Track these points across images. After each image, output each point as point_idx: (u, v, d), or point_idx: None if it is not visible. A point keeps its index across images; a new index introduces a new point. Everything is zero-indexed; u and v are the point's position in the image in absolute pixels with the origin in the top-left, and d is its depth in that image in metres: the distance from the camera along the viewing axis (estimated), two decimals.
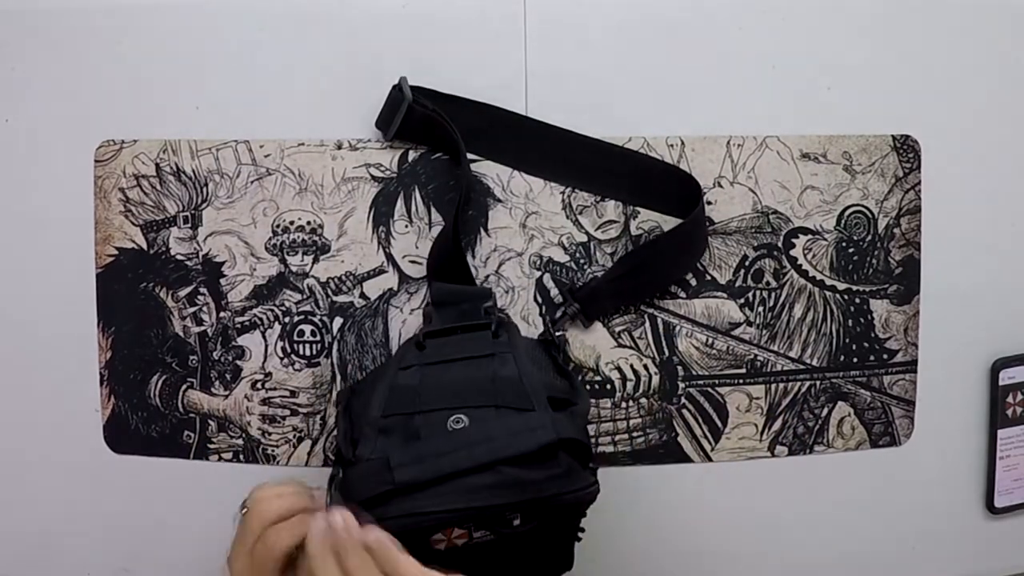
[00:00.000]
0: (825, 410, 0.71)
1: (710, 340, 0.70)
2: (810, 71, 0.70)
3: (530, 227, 0.69)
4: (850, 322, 0.71)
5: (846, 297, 0.71)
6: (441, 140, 0.67)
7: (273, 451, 0.69)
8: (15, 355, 0.69)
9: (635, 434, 0.70)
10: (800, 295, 0.71)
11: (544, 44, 0.68)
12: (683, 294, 0.70)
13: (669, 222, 0.69)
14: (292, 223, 0.68)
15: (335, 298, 0.68)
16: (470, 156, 0.67)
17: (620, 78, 0.68)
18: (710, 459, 0.71)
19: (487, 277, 0.68)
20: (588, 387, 0.69)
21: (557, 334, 0.68)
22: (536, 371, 0.59)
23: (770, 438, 0.71)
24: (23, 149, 0.68)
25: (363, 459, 0.52)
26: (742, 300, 0.70)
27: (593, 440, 0.69)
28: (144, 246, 0.68)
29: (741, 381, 0.70)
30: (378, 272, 0.68)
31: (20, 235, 0.69)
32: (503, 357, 0.59)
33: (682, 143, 0.69)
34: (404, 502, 0.50)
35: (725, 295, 0.70)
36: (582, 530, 0.56)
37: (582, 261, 0.69)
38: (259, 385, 0.69)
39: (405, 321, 0.68)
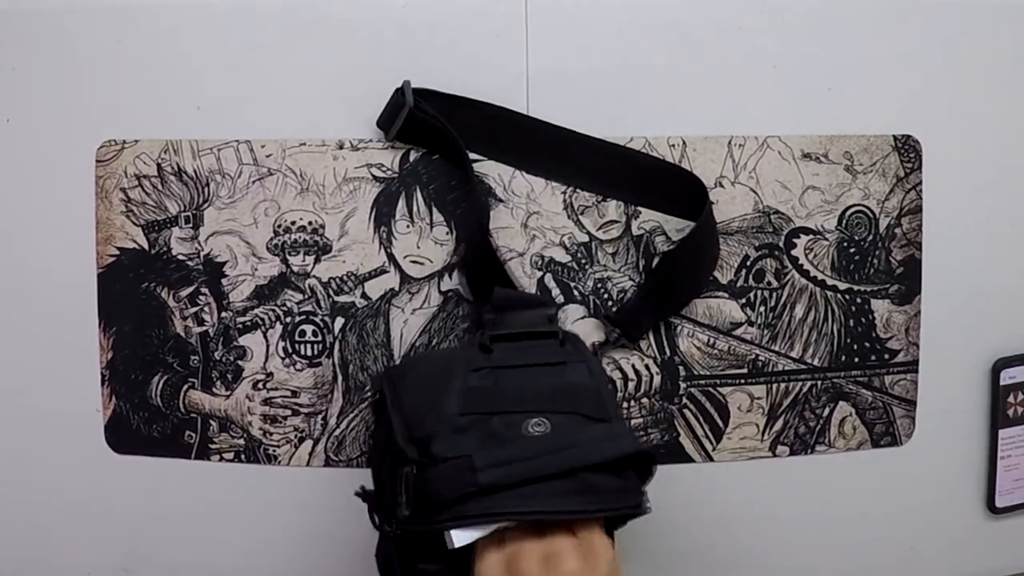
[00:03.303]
0: (826, 410, 0.71)
1: (711, 340, 0.70)
2: (811, 71, 0.70)
3: (531, 227, 0.69)
4: (851, 322, 0.71)
5: (847, 297, 0.71)
6: (443, 146, 0.67)
7: (274, 451, 0.69)
8: (16, 355, 0.69)
9: (637, 434, 0.70)
10: (801, 295, 0.71)
11: (545, 44, 0.68)
12: None
13: (671, 222, 0.69)
14: (293, 223, 0.68)
15: (336, 298, 0.68)
16: (472, 156, 0.67)
17: (621, 78, 0.68)
18: (711, 459, 0.71)
19: None
20: None
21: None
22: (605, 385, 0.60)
23: (771, 438, 0.71)
24: (24, 149, 0.68)
25: (441, 458, 0.52)
26: (743, 300, 0.70)
27: None
28: (145, 246, 0.68)
29: (742, 381, 0.70)
30: (379, 272, 0.68)
31: (21, 235, 0.69)
32: (576, 366, 0.59)
33: (683, 143, 0.69)
34: (483, 502, 0.50)
35: (726, 295, 0.70)
36: None
37: (584, 261, 0.69)
38: (260, 385, 0.69)
39: (406, 321, 0.68)
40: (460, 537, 0.51)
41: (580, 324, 0.69)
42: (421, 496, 0.52)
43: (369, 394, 0.68)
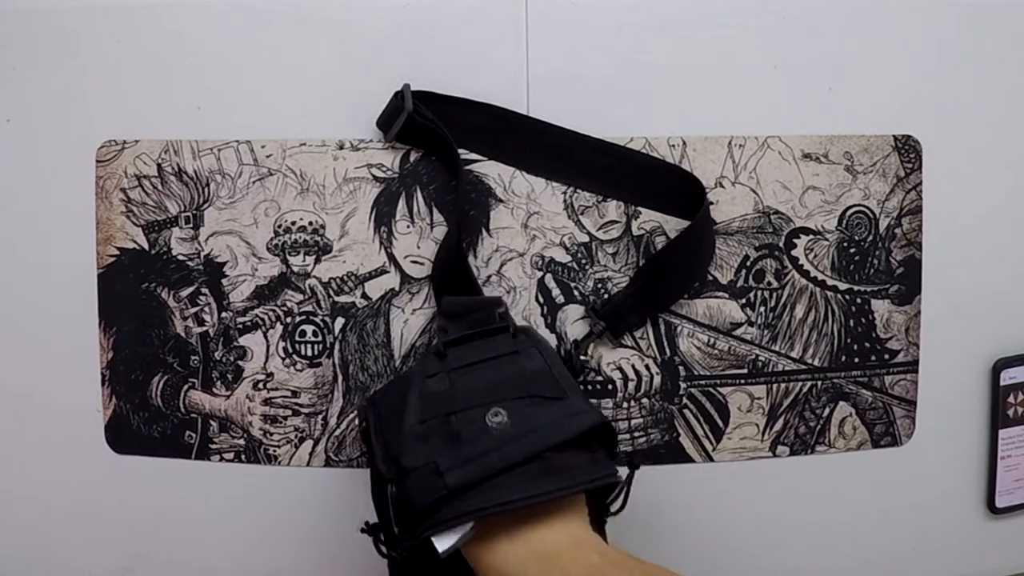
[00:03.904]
0: (826, 410, 0.71)
1: (711, 340, 0.70)
2: (812, 71, 0.70)
3: (532, 227, 0.69)
4: (851, 322, 0.71)
5: (847, 297, 0.71)
6: (440, 151, 0.67)
7: (275, 451, 0.69)
8: (16, 355, 0.69)
9: (636, 434, 0.70)
10: (801, 295, 0.71)
11: (545, 44, 0.68)
12: (685, 294, 0.70)
13: (671, 222, 0.69)
14: (294, 223, 0.68)
15: (337, 298, 0.68)
16: (472, 156, 0.68)
17: (621, 78, 0.68)
18: (711, 459, 0.71)
19: (489, 277, 0.68)
20: (590, 387, 0.69)
21: (582, 357, 0.68)
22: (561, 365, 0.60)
23: (772, 438, 0.71)
24: (24, 149, 0.68)
25: (411, 469, 0.52)
26: (743, 300, 0.70)
27: None
28: (146, 246, 0.68)
29: (743, 381, 0.70)
30: (380, 272, 0.68)
31: (21, 235, 0.69)
32: (528, 352, 0.59)
33: (684, 143, 0.69)
34: (457, 502, 0.50)
35: (726, 295, 0.70)
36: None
37: (584, 261, 0.69)
38: (261, 385, 0.69)
39: (407, 321, 0.68)
40: (442, 542, 0.51)
41: (580, 324, 0.69)
42: (401, 511, 0.52)
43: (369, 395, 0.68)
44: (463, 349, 0.60)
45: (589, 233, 0.69)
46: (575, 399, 0.55)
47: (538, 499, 0.50)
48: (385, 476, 0.54)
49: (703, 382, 0.70)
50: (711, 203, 0.69)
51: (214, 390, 0.69)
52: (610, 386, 0.69)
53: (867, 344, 0.71)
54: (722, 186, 0.69)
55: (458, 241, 0.66)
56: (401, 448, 0.54)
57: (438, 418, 0.54)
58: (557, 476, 0.51)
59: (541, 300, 0.69)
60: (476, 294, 0.66)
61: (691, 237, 0.67)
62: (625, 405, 0.70)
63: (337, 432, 0.69)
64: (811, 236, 0.70)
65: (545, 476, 0.51)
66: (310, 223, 0.68)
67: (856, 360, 0.71)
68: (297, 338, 0.69)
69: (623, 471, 0.57)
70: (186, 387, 0.69)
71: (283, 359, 0.69)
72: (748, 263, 0.70)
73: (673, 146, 0.69)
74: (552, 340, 0.69)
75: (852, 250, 0.71)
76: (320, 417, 0.69)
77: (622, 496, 0.57)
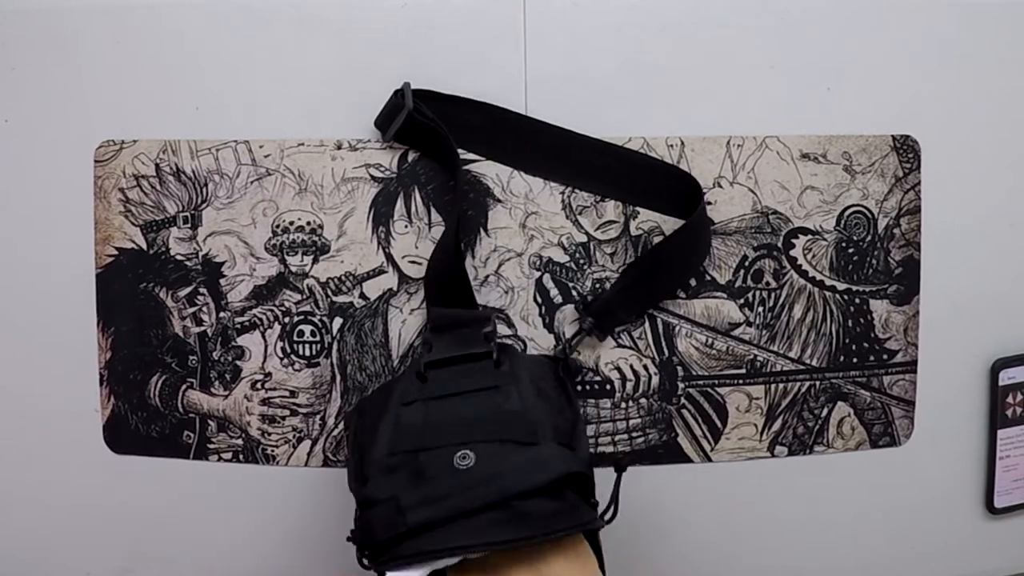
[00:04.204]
0: (825, 410, 0.71)
1: (710, 340, 0.70)
2: (810, 71, 0.70)
3: (530, 227, 0.69)
4: (850, 322, 0.71)
5: (846, 297, 0.71)
6: (439, 151, 0.67)
7: (273, 451, 0.69)
8: (15, 355, 0.69)
9: (635, 434, 0.70)
10: (800, 295, 0.71)
11: (543, 44, 0.68)
12: (683, 294, 0.70)
13: (669, 222, 0.69)
14: (292, 223, 0.68)
15: (335, 298, 0.68)
16: (470, 156, 0.68)
17: (620, 78, 0.68)
18: (710, 459, 0.71)
19: (487, 277, 0.68)
20: (588, 387, 0.69)
21: (573, 355, 0.68)
22: (541, 403, 0.59)
23: (770, 438, 0.71)
24: (23, 149, 0.69)
25: (374, 501, 0.53)
26: (742, 300, 0.70)
27: (593, 440, 0.69)
28: (144, 246, 0.68)
29: (741, 381, 0.70)
30: (378, 272, 0.68)
31: (20, 235, 0.69)
32: (506, 390, 0.58)
33: (682, 143, 0.69)
34: (416, 542, 0.51)
35: (725, 295, 0.70)
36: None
37: (582, 261, 0.69)
38: (259, 385, 0.69)
39: (405, 321, 0.68)
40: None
41: (577, 324, 0.69)
42: (365, 539, 0.52)
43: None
44: (443, 373, 0.59)
45: (587, 233, 0.69)
46: (547, 446, 0.55)
47: (496, 547, 0.50)
48: (354, 496, 0.54)
49: (701, 382, 0.70)
50: (709, 203, 0.69)
51: (212, 390, 0.69)
52: (608, 386, 0.69)
53: (865, 344, 0.71)
54: (720, 186, 0.69)
55: (456, 241, 0.66)
56: (368, 476, 0.54)
57: (407, 452, 0.54)
58: (519, 524, 0.51)
59: (539, 300, 0.69)
60: (470, 297, 0.66)
61: (685, 236, 0.67)
62: (623, 405, 0.70)
63: (335, 432, 0.69)
64: (809, 236, 0.70)
65: (507, 523, 0.51)
66: (308, 223, 0.68)
67: (854, 360, 0.71)
68: (295, 338, 0.69)
69: (607, 471, 0.57)
70: (184, 387, 0.69)
71: (281, 359, 0.69)
72: (746, 263, 0.70)
73: (671, 146, 0.69)
74: (550, 340, 0.69)
75: (850, 250, 0.71)
76: (318, 417, 0.69)
77: (612, 505, 0.57)
